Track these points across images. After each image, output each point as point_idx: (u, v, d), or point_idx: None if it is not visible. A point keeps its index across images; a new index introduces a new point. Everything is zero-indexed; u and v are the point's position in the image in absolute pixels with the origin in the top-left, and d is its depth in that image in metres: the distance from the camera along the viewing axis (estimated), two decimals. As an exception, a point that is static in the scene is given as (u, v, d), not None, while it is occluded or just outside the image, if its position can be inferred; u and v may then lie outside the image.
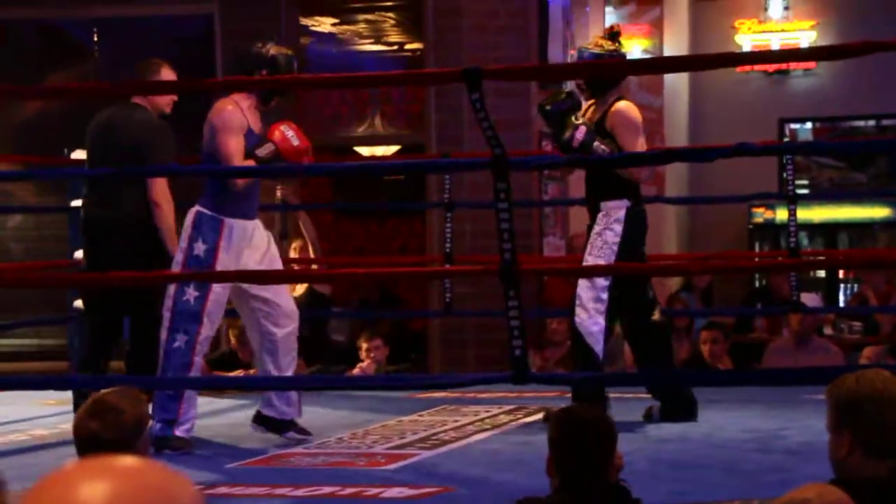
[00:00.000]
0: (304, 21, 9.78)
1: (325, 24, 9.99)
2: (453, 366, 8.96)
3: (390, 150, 10.37)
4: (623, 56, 6.17)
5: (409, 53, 10.36)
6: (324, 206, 10.06)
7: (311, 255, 8.56)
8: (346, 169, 5.25)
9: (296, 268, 8.66)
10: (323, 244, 9.09)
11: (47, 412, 6.77)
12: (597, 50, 5.99)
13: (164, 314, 5.48)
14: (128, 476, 1.06)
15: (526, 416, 6.38)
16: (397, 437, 5.82)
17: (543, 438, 5.53)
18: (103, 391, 2.98)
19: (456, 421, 6.20)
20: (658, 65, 8.57)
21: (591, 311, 5.90)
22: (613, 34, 6.09)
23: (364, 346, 8.03)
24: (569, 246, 9.38)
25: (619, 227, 5.91)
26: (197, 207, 5.54)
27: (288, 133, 5.46)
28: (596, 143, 5.75)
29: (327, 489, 4.68)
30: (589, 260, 5.92)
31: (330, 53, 10.24)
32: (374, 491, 4.63)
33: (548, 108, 5.86)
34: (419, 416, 6.41)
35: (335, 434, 5.94)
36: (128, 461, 1.09)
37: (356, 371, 7.97)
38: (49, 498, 1.04)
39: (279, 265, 5.81)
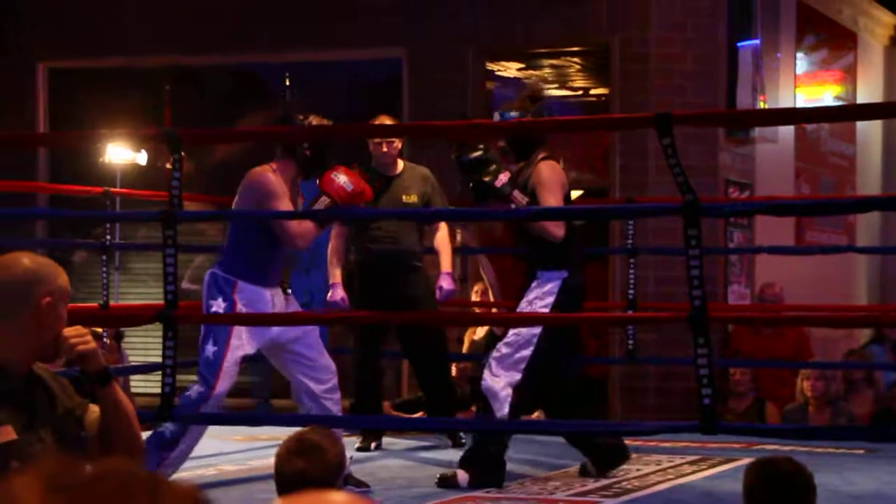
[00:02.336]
0: (490, 66, 9.85)
1: (510, 70, 10.03)
2: (633, 413, 8.85)
3: (573, 195, 10.33)
4: (542, 117, 5.80)
5: (593, 98, 10.34)
6: (503, 251, 10.04)
7: (491, 299, 8.58)
8: (531, 214, 5.22)
9: (477, 311, 8.69)
10: (504, 288, 9.08)
11: (235, 448, 6.89)
12: (517, 112, 5.72)
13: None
14: None
15: (710, 467, 6.26)
16: (579, 484, 5.76)
17: (729, 490, 5.43)
18: (302, 430, 3.02)
19: (638, 470, 6.10)
20: (849, 112, 8.37)
21: (500, 374, 5.56)
22: (534, 97, 5.94)
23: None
24: (758, 295, 9.19)
25: (550, 300, 5.60)
26: (212, 269, 5.53)
27: (340, 180, 5.36)
28: (516, 192, 5.53)
29: (509, 534, 4.65)
30: (513, 329, 5.66)
31: (513, 98, 10.27)
32: (557, 538, 4.58)
33: (464, 157, 5.60)
34: (600, 463, 6.33)
35: (516, 479, 5.91)
36: (340, 497, 1.10)
37: (535, 416, 7.94)
38: None
39: (288, 335, 5.58)
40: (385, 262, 6.76)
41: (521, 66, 10.01)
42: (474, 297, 8.82)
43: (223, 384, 5.37)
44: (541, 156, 5.73)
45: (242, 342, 5.38)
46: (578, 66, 10.03)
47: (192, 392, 5.38)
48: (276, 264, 5.55)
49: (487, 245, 9.52)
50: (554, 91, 10.34)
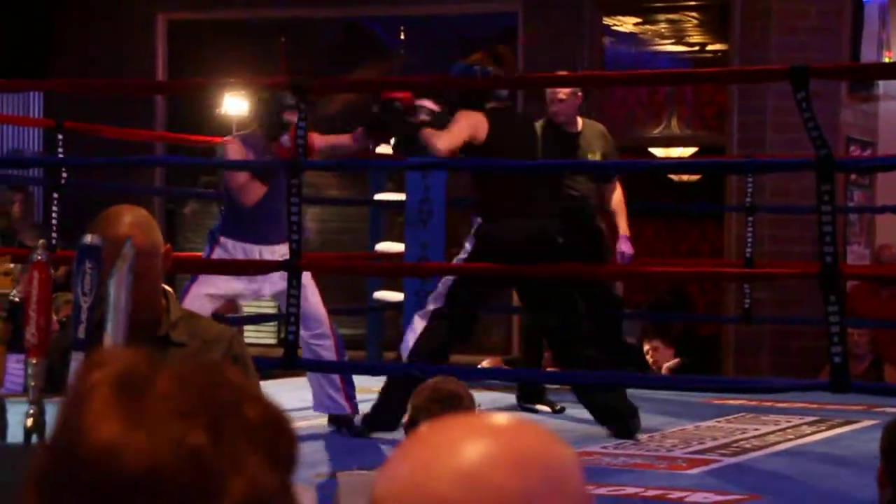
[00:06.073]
0: (607, 21, 9.75)
1: (626, 24, 9.93)
2: (746, 373, 8.76)
3: (686, 151, 10.22)
4: (495, 77, 5.83)
5: (709, 55, 10.18)
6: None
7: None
8: (665, 166, 5.12)
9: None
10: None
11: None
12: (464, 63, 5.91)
13: None
14: (506, 437, 1.00)
15: (829, 428, 6.18)
16: (696, 441, 5.72)
17: (850, 451, 5.36)
18: (436, 380, 3.02)
19: (756, 429, 6.05)
20: None
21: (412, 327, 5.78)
22: (497, 57, 5.89)
23: (645, 347, 8.05)
24: (874, 256, 9.03)
25: (468, 245, 5.74)
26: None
27: (283, 139, 5.82)
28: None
29: (631, 489, 4.64)
30: (440, 280, 5.79)
31: (627, 53, 10.17)
32: (679, 494, 4.56)
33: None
34: (717, 422, 6.28)
35: (632, 436, 5.88)
36: (504, 420, 1.02)
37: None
38: (421, 455, 1.00)
39: (275, 289, 5.81)
40: (575, 218, 6.57)
41: (638, 20, 9.90)
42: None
43: None
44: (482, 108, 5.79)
45: (212, 290, 5.76)
46: (696, 21, 9.89)
47: None
48: (260, 221, 5.79)
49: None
50: (669, 46, 10.21)
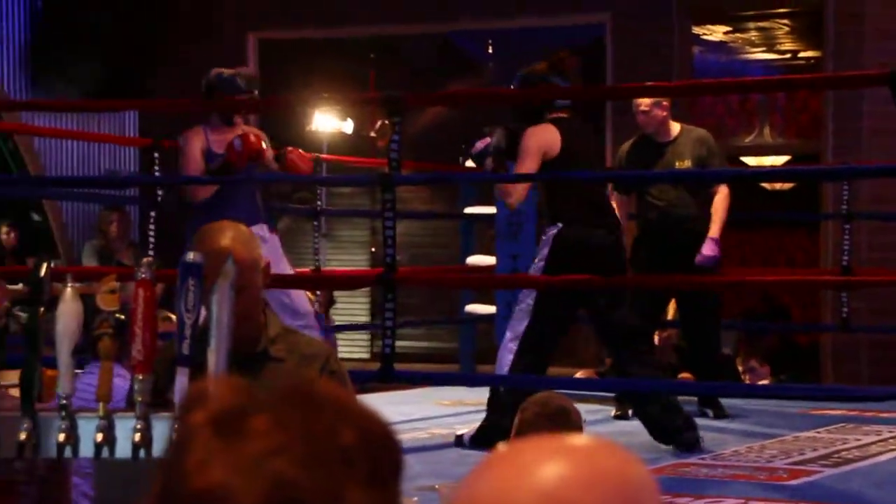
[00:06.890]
0: (697, 30, 9.69)
1: (716, 33, 9.87)
2: (845, 383, 8.64)
3: (779, 160, 10.12)
4: (550, 84, 5.73)
5: (801, 62, 10.09)
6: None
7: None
8: (759, 175, 5.09)
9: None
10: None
11: (443, 412, 6.96)
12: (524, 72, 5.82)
13: None
14: (584, 457, 1.02)
15: (932, 438, 6.06)
16: (797, 452, 5.64)
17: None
18: (544, 394, 3.02)
19: (857, 440, 5.96)
20: None
21: (506, 347, 5.58)
22: (557, 65, 5.80)
23: (740, 368, 7.97)
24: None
25: (545, 251, 5.59)
26: None
27: (235, 142, 6.02)
28: (488, 161, 5.66)
29: (731, 501, 4.59)
30: (522, 295, 5.65)
31: (716, 62, 10.11)
32: (781, 505, 4.51)
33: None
34: (816, 432, 6.20)
35: (730, 447, 5.83)
36: (582, 441, 1.05)
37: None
38: (501, 474, 1.02)
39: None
40: (660, 230, 6.61)
41: (728, 29, 9.83)
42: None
43: None
44: (546, 119, 5.71)
45: None
46: (787, 29, 9.80)
47: None
48: (227, 210, 5.81)
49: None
50: (760, 55, 10.13)
